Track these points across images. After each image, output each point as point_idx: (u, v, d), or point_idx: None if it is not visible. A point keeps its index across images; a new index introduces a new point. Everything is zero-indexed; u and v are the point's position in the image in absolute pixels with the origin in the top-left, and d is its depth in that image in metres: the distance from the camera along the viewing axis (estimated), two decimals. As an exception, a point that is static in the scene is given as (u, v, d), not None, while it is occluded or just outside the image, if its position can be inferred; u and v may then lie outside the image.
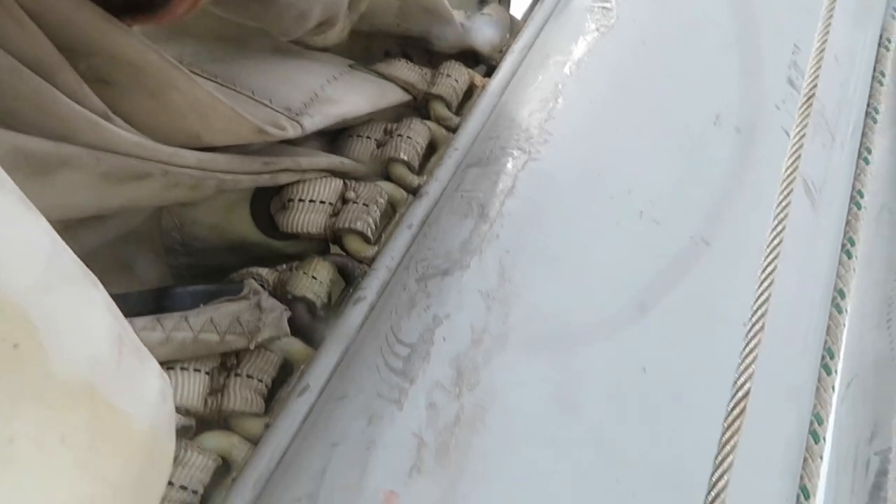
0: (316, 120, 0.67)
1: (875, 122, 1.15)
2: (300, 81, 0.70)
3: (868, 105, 1.14)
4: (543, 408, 0.54)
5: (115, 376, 0.37)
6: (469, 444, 0.51)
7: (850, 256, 1.01)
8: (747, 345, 0.59)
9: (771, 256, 0.61)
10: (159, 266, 0.72)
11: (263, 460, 0.55)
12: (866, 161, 1.10)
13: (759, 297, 0.60)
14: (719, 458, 0.53)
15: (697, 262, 0.67)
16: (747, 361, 0.59)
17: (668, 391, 0.59)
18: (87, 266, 0.44)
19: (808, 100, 0.66)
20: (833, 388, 0.91)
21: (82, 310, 0.37)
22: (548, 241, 0.62)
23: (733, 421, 0.55)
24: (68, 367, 0.35)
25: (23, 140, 0.46)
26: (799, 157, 0.62)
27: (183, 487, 0.53)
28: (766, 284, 0.60)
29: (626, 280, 0.63)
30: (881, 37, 1.20)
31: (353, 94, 0.71)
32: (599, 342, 0.58)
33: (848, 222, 1.02)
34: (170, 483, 0.53)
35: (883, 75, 1.21)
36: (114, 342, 0.38)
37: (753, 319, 0.59)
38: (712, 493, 0.52)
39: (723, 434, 0.55)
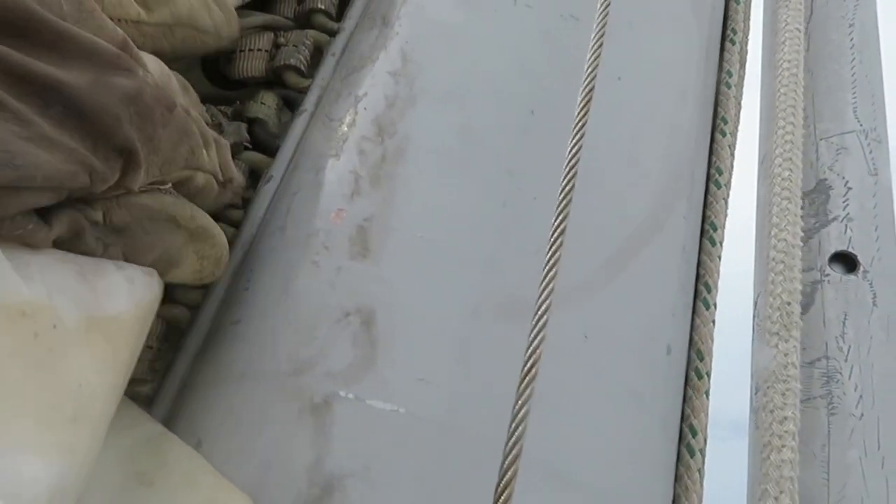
0: None
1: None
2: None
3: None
4: (450, 143, 0.69)
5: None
6: (395, 173, 0.67)
7: (733, 43, 1.16)
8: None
9: (601, 21, 0.74)
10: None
11: (246, 232, 0.70)
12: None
13: (591, 55, 0.72)
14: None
15: (568, 35, 0.81)
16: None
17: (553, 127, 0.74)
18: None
19: None
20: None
21: None
22: (439, 31, 0.77)
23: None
24: None
25: None
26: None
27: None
28: (597, 44, 0.72)
29: (511, 54, 0.78)
30: None
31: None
32: (489, 95, 0.73)
33: (728, 16, 1.16)
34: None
35: None
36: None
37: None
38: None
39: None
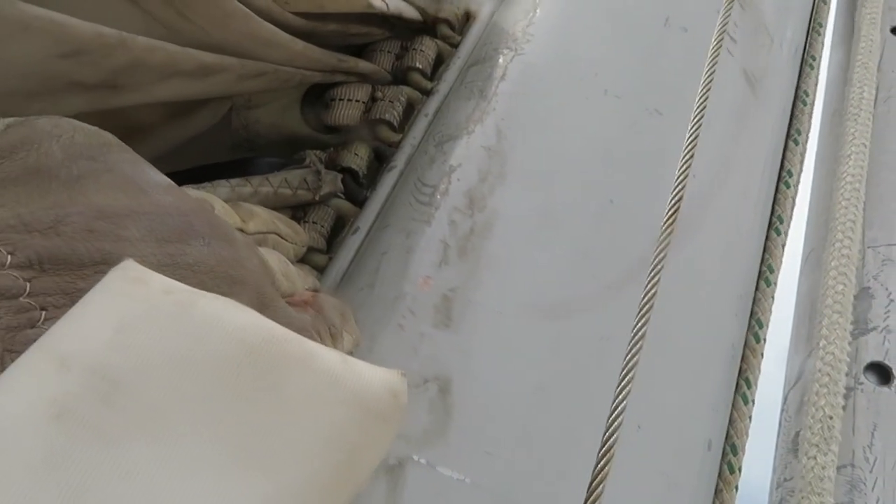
0: (391, 3, 0.84)
1: (819, 34, 1.33)
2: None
3: (811, 20, 1.31)
4: (533, 224, 0.73)
5: None
6: (481, 246, 0.70)
7: (796, 143, 1.19)
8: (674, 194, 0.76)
9: (696, 123, 0.78)
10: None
11: (329, 280, 0.74)
12: (811, 66, 1.28)
13: (685, 155, 0.76)
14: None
15: (651, 128, 0.85)
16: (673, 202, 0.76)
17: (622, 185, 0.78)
18: (177, 153, 0.61)
19: (732, -4, 0.84)
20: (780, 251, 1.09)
21: None
22: (533, 111, 0.80)
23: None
24: None
25: (198, 54, 0.64)
26: (723, 38, 0.80)
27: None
28: (690, 146, 0.76)
29: (597, 141, 0.82)
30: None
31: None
32: (573, 180, 0.77)
33: (794, 115, 1.20)
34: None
35: (825, -5, 1.38)
36: None
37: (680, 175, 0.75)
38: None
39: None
